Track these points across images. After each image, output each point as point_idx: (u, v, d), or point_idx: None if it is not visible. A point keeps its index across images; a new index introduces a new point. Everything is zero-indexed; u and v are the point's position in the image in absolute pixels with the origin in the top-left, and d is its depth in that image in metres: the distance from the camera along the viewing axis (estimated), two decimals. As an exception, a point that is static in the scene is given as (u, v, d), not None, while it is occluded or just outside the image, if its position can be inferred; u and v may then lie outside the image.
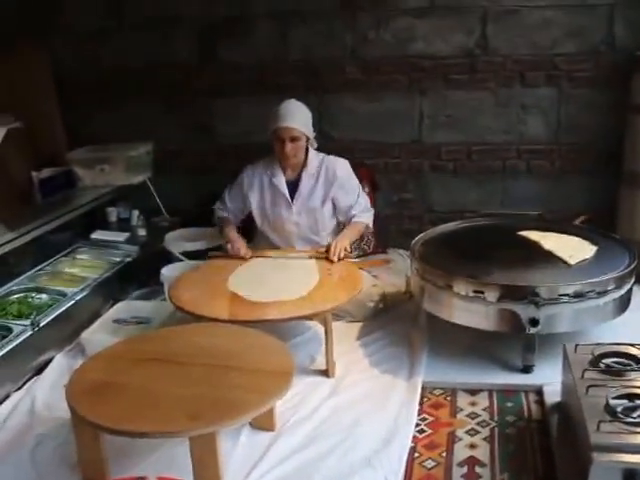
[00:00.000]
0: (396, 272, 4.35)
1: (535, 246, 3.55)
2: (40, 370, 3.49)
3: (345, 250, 3.79)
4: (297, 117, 3.85)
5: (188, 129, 5.11)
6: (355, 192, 4.08)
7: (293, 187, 4.02)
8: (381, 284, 4.06)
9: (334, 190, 4.00)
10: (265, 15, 4.77)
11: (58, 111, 5.02)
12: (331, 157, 4.07)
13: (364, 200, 4.13)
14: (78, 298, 3.83)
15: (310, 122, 3.92)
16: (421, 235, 3.80)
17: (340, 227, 4.13)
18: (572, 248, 3.48)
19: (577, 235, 3.66)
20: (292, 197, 4.01)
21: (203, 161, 5.12)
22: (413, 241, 3.71)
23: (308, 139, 3.93)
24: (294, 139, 3.83)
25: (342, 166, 4.06)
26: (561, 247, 3.47)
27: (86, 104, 5.10)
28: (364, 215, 4.08)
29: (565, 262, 3.35)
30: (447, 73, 4.63)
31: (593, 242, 3.56)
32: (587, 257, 3.42)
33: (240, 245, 3.89)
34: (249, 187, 4.06)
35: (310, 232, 4.09)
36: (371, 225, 4.18)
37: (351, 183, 4.08)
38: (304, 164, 4.00)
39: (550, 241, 3.56)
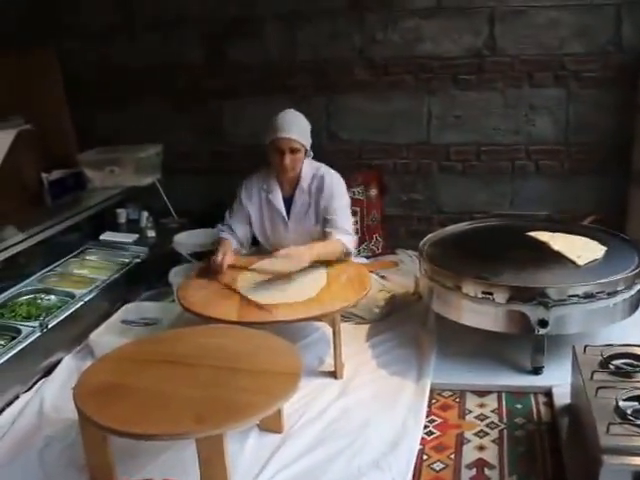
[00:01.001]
0: (405, 273, 4.34)
1: (544, 247, 3.52)
2: (49, 371, 3.47)
3: (300, 258, 3.51)
4: (296, 128, 3.70)
5: (197, 130, 5.10)
6: (341, 210, 3.82)
7: (289, 203, 3.88)
8: (389, 287, 4.03)
9: (323, 202, 3.80)
10: (273, 16, 4.75)
11: (68, 113, 5.01)
12: (329, 170, 3.88)
13: (347, 222, 3.83)
14: (87, 299, 3.82)
15: (309, 133, 3.76)
16: (429, 236, 3.77)
17: None
18: (581, 248, 3.44)
19: (586, 235, 3.61)
20: (288, 213, 3.87)
21: (212, 162, 5.11)
22: (421, 242, 3.67)
23: (306, 151, 3.77)
24: (293, 150, 3.67)
25: (337, 182, 3.86)
26: (570, 248, 3.44)
27: (96, 106, 5.09)
28: (343, 236, 3.74)
29: (574, 263, 3.32)
30: (455, 73, 4.59)
31: (602, 242, 3.52)
32: (596, 257, 3.38)
33: (220, 258, 3.63)
34: (248, 201, 3.90)
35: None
36: (352, 250, 3.80)
37: (340, 202, 3.83)
38: (298, 179, 3.83)
39: (559, 242, 3.52)
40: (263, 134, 3.77)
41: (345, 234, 3.76)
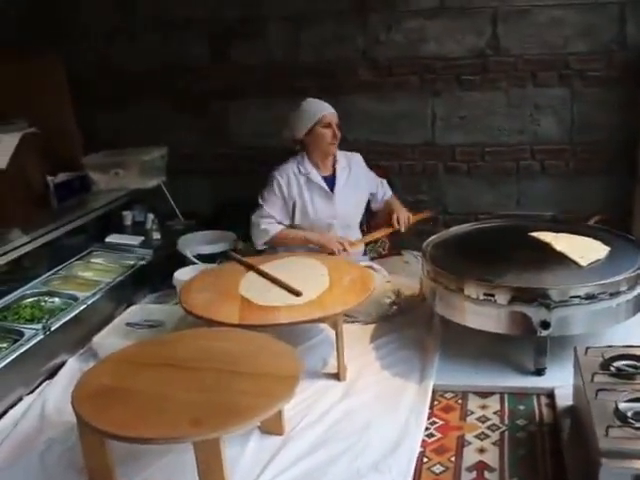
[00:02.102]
0: (410, 274, 4.30)
1: (547, 248, 3.48)
2: (52, 374, 3.46)
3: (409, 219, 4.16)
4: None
5: (202, 132, 5.10)
6: (375, 176, 4.37)
7: (330, 182, 4.14)
8: (395, 284, 4.01)
9: (365, 179, 4.26)
10: (277, 17, 4.76)
11: (73, 115, 5.00)
12: (347, 152, 4.26)
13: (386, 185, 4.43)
14: (90, 302, 3.80)
15: None
16: (432, 237, 3.74)
17: (367, 217, 4.44)
18: (584, 249, 3.40)
19: (590, 236, 3.57)
20: (331, 190, 4.12)
21: (216, 163, 5.11)
22: (424, 243, 3.65)
23: None
24: (338, 127, 4.00)
25: (359, 157, 4.30)
26: (573, 248, 3.40)
27: (100, 108, 5.12)
28: (389, 191, 4.40)
29: (576, 263, 3.29)
30: (459, 74, 4.59)
31: (606, 242, 3.48)
32: (599, 258, 3.34)
33: (339, 239, 3.98)
34: (288, 189, 4.06)
35: (345, 225, 4.19)
36: None
37: (370, 171, 4.34)
38: (335, 159, 4.14)
39: (562, 242, 3.49)
40: (293, 128, 4.02)
41: (388, 188, 4.42)
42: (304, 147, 4.08)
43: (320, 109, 3.97)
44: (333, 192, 4.11)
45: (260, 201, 4.07)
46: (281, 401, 2.49)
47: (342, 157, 4.18)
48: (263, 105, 4.89)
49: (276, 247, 4.10)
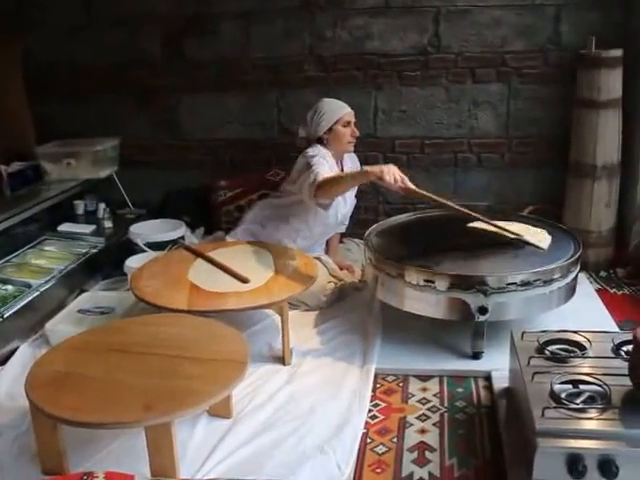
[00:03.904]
0: (352, 261, 4.30)
1: (483, 237, 3.48)
2: (5, 360, 3.35)
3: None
4: None
5: (155, 125, 4.99)
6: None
7: None
8: (339, 275, 3.99)
9: None
10: (228, 14, 4.66)
11: (27, 106, 4.87)
12: None
13: None
14: (43, 289, 3.70)
15: None
16: (374, 226, 3.71)
17: None
18: (534, 234, 3.45)
19: (527, 224, 3.60)
20: None
21: (169, 155, 5.01)
22: (367, 232, 3.62)
23: None
24: (356, 125, 3.97)
25: (354, 156, 4.20)
26: (525, 233, 3.45)
27: (55, 99, 4.97)
28: None
29: (538, 247, 3.35)
30: (401, 70, 4.55)
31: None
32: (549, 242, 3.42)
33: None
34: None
35: (346, 219, 4.26)
36: None
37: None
38: (342, 155, 4.07)
39: (514, 228, 3.52)
40: (313, 127, 3.92)
41: None
42: (323, 145, 3.93)
43: (340, 108, 3.93)
44: None
45: (313, 176, 3.60)
46: (230, 386, 2.44)
47: (346, 156, 4.11)
48: (214, 99, 4.81)
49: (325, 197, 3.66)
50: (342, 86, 4.59)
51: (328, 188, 3.49)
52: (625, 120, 4.10)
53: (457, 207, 3.51)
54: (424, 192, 3.39)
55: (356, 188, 4.06)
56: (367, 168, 3.36)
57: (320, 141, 3.92)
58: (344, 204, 4.01)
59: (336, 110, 3.91)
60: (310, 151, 3.84)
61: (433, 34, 4.45)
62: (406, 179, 3.28)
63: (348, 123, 3.92)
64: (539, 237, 3.44)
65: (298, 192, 3.82)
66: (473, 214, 3.54)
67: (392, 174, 3.23)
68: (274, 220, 4.06)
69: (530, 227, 3.56)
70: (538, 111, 4.49)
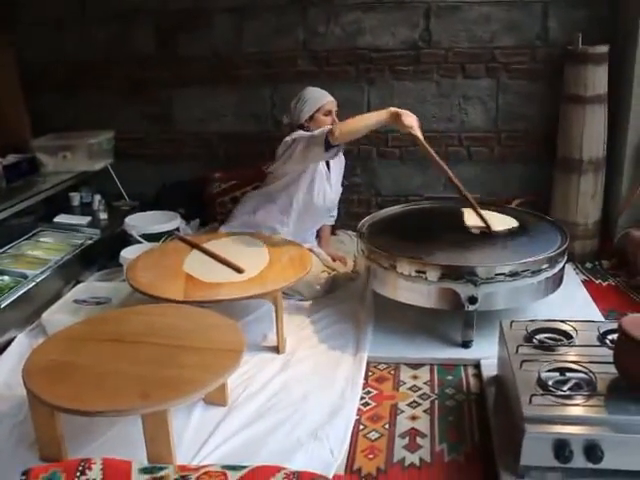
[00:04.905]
0: (345, 253, 4.31)
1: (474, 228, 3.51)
2: (2, 350, 3.36)
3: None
4: None
5: (149, 118, 5.00)
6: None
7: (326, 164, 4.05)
8: (332, 265, 4.02)
9: (340, 163, 4.17)
10: (221, 9, 4.66)
11: (23, 99, 4.86)
12: None
13: None
14: (39, 280, 3.70)
15: None
16: (367, 218, 3.74)
17: None
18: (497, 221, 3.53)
19: (514, 217, 3.63)
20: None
21: (162, 148, 5.02)
22: (360, 223, 3.64)
23: None
24: (337, 115, 3.95)
25: None
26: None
27: (51, 93, 4.99)
28: None
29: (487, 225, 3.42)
30: (393, 64, 4.56)
31: (527, 223, 3.59)
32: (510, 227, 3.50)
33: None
34: None
35: (333, 205, 4.24)
36: None
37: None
38: None
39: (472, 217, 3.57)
40: (295, 114, 3.95)
41: None
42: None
43: (322, 96, 3.93)
44: (330, 172, 4.05)
45: (306, 136, 3.68)
46: (225, 374, 2.46)
47: None
48: (207, 93, 4.82)
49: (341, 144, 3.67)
50: (335, 81, 4.60)
51: (343, 126, 3.55)
52: (610, 115, 4.13)
53: (451, 174, 3.52)
54: (428, 147, 3.45)
55: (341, 176, 4.16)
56: (391, 108, 3.45)
57: (302, 128, 3.93)
58: (330, 189, 4.02)
59: (319, 98, 3.93)
60: (291, 135, 3.84)
61: (424, 29, 4.47)
62: (418, 129, 3.41)
63: (329, 112, 3.92)
64: (505, 222, 3.54)
65: (282, 169, 3.89)
66: (463, 189, 3.55)
67: (410, 120, 3.38)
68: (264, 205, 4.06)
69: (497, 214, 3.65)
70: (526, 106, 4.51)
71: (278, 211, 4.02)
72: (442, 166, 3.50)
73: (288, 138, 3.79)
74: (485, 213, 3.51)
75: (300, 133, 3.79)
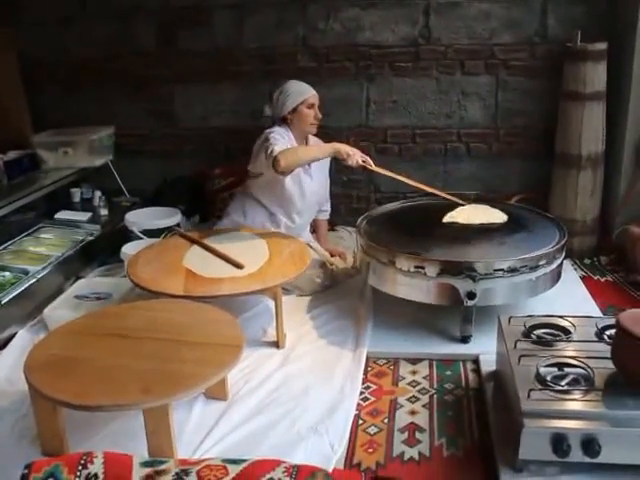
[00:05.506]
0: (344, 248, 4.32)
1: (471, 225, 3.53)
2: (4, 345, 3.37)
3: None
4: None
5: (150, 114, 5.01)
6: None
7: None
8: (329, 261, 4.02)
9: (324, 161, 4.04)
10: (222, 5, 4.67)
11: (24, 95, 4.86)
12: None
13: None
14: (40, 276, 3.71)
15: None
16: (366, 214, 3.74)
17: None
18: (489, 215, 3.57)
19: (513, 213, 3.65)
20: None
21: (163, 144, 5.03)
22: (359, 220, 3.64)
23: None
24: (320, 109, 3.94)
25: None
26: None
27: (52, 89, 5.01)
28: None
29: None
30: (393, 61, 4.57)
31: (525, 219, 3.59)
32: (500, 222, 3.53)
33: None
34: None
35: (318, 202, 4.18)
36: None
37: None
38: (307, 141, 4.03)
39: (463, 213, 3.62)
40: (278, 106, 3.91)
41: None
42: (286, 125, 3.95)
43: (306, 90, 3.92)
44: (310, 167, 3.98)
45: (270, 148, 3.63)
46: (226, 369, 2.46)
47: (312, 139, 4.06)
48: (208, 89, 4.83)
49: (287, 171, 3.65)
50: (334, 77, 4.62)
51: (288, 155, 3.53)
52: (608, 112, 4.14)
53: (416, 184, 3.76)
54: (379, 170, 3.71)
55: (327, 169, 4.15)
56: (336, 145, 3.59)
57: (284, 120, 3.92)
58: (310, 180, 3.98)
59: (302, 91, 3.91)
60: (268, 130, 3.85)
61: (424, 26, 4.47)
62: (368, 159, 3.63)
63: (312, 105, 3.91)
64: (495, 216, 3.58)
65: (258, 170, 3.87)
66: (429, 189, 3.81)
67: (355, 159, 3.54)
68: (251, 205, 4.03)
69: (489, 207, 3.69)
70: (525, 103, 4.51)
71: (265, 211, 4.01)
72: (399, 178, 3.74)
73: (261, 138, 3.81)
74: (475, 207, 3.59)
75: (268, 136, 3.74)
